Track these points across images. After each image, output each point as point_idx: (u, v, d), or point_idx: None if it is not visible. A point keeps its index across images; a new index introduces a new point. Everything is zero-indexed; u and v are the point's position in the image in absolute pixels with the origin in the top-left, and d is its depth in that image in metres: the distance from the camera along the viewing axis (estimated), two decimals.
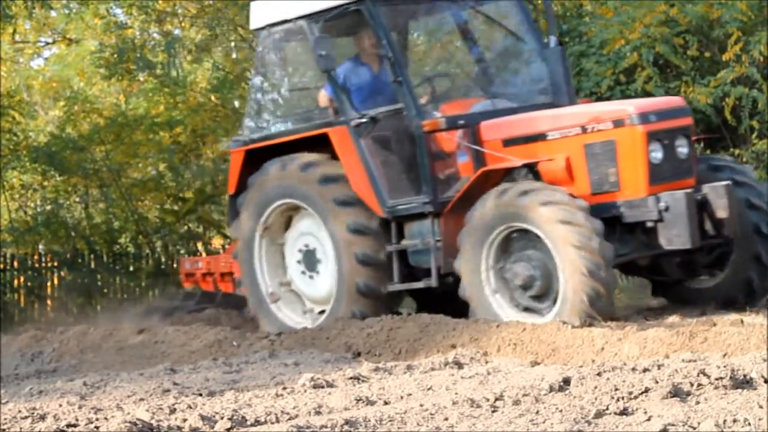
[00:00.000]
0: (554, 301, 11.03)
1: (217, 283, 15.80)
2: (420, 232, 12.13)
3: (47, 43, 29.53)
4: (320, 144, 12.51)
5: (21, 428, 6.03)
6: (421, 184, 12.10)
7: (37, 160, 24.10)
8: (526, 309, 11.29)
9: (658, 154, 11.49)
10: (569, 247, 10.69)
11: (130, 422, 5.82)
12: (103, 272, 24.38)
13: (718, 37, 20.36)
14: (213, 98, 24.57)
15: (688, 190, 11.33)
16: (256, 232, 12.97)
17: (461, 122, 12.25)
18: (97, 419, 6.12)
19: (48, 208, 25.87)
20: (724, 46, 20.30)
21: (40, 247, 25.80)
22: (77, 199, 26.61)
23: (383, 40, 12.27)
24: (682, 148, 11.69)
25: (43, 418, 6.20)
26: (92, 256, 24.54)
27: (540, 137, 11.84)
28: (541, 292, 11.17)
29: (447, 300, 12.39)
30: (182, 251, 25.57)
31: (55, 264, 24.26)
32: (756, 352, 8.09)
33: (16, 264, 23.84)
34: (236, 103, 25.30)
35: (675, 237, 11.22)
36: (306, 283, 12.96)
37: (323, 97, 12.85)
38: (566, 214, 10.76)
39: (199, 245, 26.11)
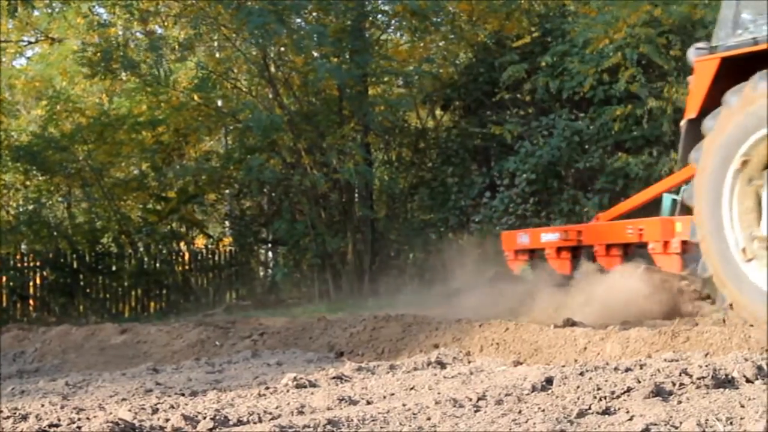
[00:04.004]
0: None
1: (596, 258, 13.13)
2: None
3: (30, 43, 29.49)
4: None
5: (2, 428, 6.00)
6: None
7: (19, 159, 24.09)
8: None
9: None
10: None
11: (112, 422, 5.80)
12: (86, 272, 24.37)
13: (701, 37, 20.44)
14: (196, 97, 24.55)
15: None
16: (730, 166, 10.13)
17: None
18: (79, 419, 6.10)
19: (30, 207, 25.84)
20: None
21: (23, 246, 25.78)
22: (60, 199, 26.59)
23: None
24: None
25: (24, 418, 6.17)
26: (75, 255, 24.53)
27: None
28: None
29: None
30: (164, 251, 25.54)
31: (38, 264, 24.25)
32: (738, 352, 8.10)
33: None
34: (219, 102, 25.30)
35: None
36: None
37: None
38: None
39: (182, 245, 26.09)
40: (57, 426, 5.94)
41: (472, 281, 15.04)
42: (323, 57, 23.04)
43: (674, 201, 13.01)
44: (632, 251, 12.85)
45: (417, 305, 15.30)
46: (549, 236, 13.93)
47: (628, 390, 6.24)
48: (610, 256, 12.95)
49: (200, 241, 27.51)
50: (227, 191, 27.14)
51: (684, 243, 11.95)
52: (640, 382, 6.43)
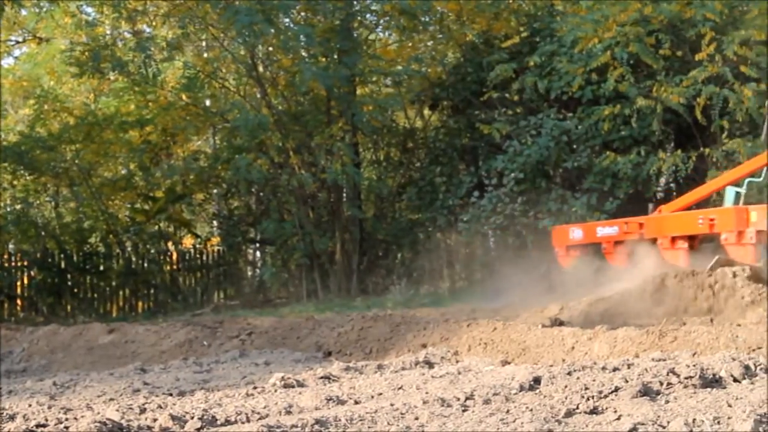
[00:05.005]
0: None
1: (663, 250, 12.84)
2: None
3: (17, 42, 29.41)
4: None
5: None
6: None
7: (6, 159, 23.99)
8: None
9: None
10: None
11: (99, 422, 5.79)
12: (73, 271, 24.30)
13: (690, 36, 20.46)
14: (184, 97, 24.51)
15: None
16: None
17: None
18: (66, 419, 6.09)
19: (18, 207, 25.75)
20: (695, 45, 20.41)
21: (10, 246, 25.69)
22: (47, 199, 26.52)
23: None
24: None
25: (12, 418, 6.16)
26: (62, 255, 24.46)
27: None
28: None
29: None
30: (152, 251, 25.48)
31: (25, 263, 24.18)
32: (725, 351, 8.12)
33: None
34: (207, 102, 25.25)
35: None
36: None
37: None
38: None
39: (170, 245, 26.03)
40: (44, 426, 5.93)
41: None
42: (311, 57, 23.01)
43: (737, 194, 12.83)
44: (698, 244, 12.61)
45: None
46: (606, 230, 13.67)
47: (616, 389, 6.25)
48: (676, 248, 12.66)
49: (188, 241, 27.45)
50: (215, 191, 27.10)
51: (759, 233, 11.76)
52: (627, 381, 6.44)
